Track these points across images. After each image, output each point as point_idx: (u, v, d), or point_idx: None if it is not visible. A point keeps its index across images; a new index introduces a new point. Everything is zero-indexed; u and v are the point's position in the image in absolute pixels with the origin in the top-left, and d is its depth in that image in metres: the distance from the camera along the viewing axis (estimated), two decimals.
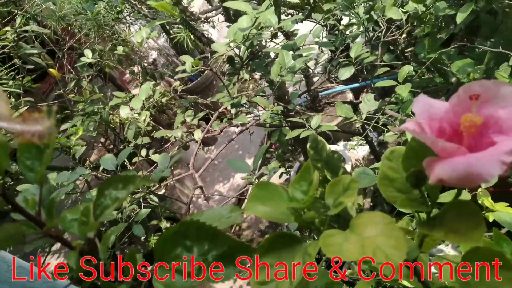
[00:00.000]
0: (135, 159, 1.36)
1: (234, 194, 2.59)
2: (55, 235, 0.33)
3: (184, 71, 1.13)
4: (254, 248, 0.34)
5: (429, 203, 0.34)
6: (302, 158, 2.24)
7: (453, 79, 1.49)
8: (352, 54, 1.19)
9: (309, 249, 0.33)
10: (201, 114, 1.48)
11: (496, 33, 1.48)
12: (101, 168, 1.20)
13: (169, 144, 2.17)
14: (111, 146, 2.41)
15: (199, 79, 3.07)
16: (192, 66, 1.13)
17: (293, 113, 1.43)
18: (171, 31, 2.78)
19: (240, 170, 1.00)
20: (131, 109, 1.39)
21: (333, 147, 2.28)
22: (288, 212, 0.36)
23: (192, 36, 2.28)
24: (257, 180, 0.96)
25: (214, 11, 1.61)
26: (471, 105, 0.31)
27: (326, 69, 1.55)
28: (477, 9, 1.56)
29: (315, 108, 2.53)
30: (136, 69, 2.50)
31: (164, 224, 2.07)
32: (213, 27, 2.57)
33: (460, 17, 0.97)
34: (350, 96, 2.62)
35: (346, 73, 1.17)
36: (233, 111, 1.29)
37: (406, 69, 1.09)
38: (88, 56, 1.43)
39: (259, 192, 0.35)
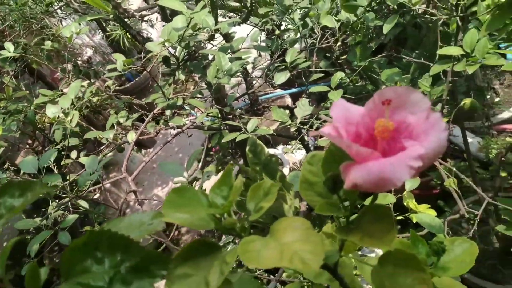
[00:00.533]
0: (64, 162, 1.28)
1: None
2: None
3: (115, 70, 1.08)
4: (170, 257, 0.32)
5: (348, 207, 0.34)
6: (242, 162, 2.24)
7: (383, 87, 1.57)
8: (288, 59, 1.21)
9: (227, 257, 0.32)
10: (135, 115, 1.42)
11: (420, 45, 1.58)
12: (21, 172, 1.11)
13: (104, 146, 2.06)
14: (40, 148, 2.25)
15: (137, 79, 2.96)
16: (124, 65, 1.08)
17: (231, 116, 1.42)
18: (107, 29, 2.67)
19: (173, 174, 0.97)
20: (61, 108, 1.30)
21: (272, 151, 2.31)
22: (208, 218, 0.35)
23: (128, 35, 2.20)
24: (189, 184, 0.94)
25: (151, 10, 1.56)
26: (384, 110, 0.32)
27: (264, 73, 1.57)
28: (404, 22, 1.65)
29: (255, 111, 2.55)
30: (68, 66, 2.36)
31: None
32: (152, 26, 2.50)
33: (386, 28, 1.02)
34: (289, 101, 2.67)
35: (281, 77, 1.19)
36: (168, 112, 1.26)
37: (338, 76, 1.13)
38: (9, 50, 1.32)
39: (176, 197, 0.34)
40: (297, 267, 0.29)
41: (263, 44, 1.37)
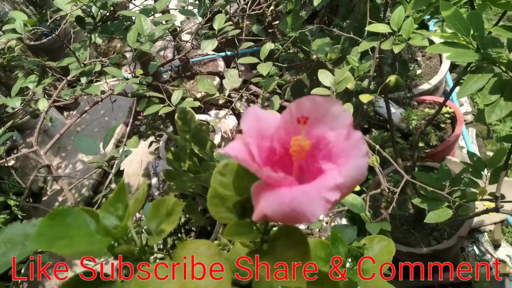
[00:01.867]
0: None
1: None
2: None
3: (14, 31, 0.93)
4: None
5: (261, 228, 0.31)
6: (171, 128, 2.15)
7: (314, 56, 1.55)
8: (215, 26, 1.13)
9: None
10: (47, 81, 1.27)
11: (351, 15, 1.56)
12: None
13: (20, 110, 1.86)
14: None
15: (54, 35, 2.67)
16: (26, 26, 0.94)
17: (155, 82, 1.32)
18: None
19: (88, 152, 0.88)
20: None
21: (203, 117, 2.24)
22: (98, 244, 0.30)
23: None
24: (106, 164, 0.86)
25: None
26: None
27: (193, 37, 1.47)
28: None
29: (186, 75, 2.44)
30: None
31: (14, 202, 1.81)
32: None
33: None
34: (221, 64, 2.58)
35: (208, 46, 1.11)
36: (83, 80, 1.13)
37: (268, 47, 1.08)
38: None
39: (51, 227, 0.28)
40: None
41: (190, 7, 1.27)
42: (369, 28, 0.91)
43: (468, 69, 0.94)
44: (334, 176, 0.25)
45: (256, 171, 0.26)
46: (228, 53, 1.44)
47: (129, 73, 1.37)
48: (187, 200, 1.90)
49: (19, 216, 1.66)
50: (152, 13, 1.17)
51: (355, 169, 0.25)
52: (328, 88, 0.98)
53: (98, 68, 1.18)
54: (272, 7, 1.73)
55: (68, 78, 1.20)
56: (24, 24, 0.96)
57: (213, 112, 2.45)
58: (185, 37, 2.31)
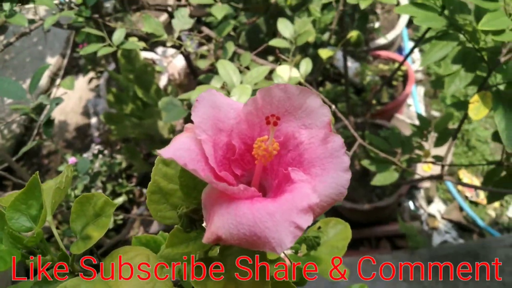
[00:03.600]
0: None
1: (33, 100, 2.17)
2: None
3: None
4: None
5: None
6: (113, 66, 1.98)
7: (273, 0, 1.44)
8: None
9: None
10: None
11: None
12: None
13: None
14: None
15: None
16: None
17: (99, 16, 1.17)
18: None
19: (12, 97, 0.76)
20: None
21: (149, 55, 2.07)
22: (6, 256, 0.23)
23: None
24: (33, 111, 0.75)
25: None
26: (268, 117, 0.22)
27: None
28: None
29: (131, 8, 2.22)
30: None
31: None
32: None
33: None
34: None
35: None
36: (6, 6, 0.97)
37: None
38: None
39: None
40: None
41: None
42: None
43: (430, 35, 0.91)
44: (307, 194, 0.20)
45: (211, 183, 0.20)
46: None
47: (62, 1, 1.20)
48: (129, 144, 1.80)
49: None
50: None
51: (333, 186, 0.21)
52: (287, 39, 0.91)
53: None
54: None
55: None
56: None
57: (160, 50, 2.28)
58: None
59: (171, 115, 0.89)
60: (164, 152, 0.20)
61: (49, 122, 0.73)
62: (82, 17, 1.13)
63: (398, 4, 0.80)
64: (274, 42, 0.90)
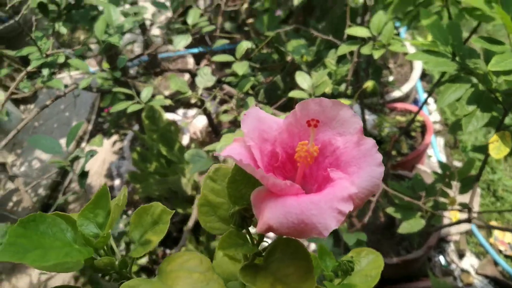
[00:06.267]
0: None
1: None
2: None
3: None
4: None
5: (256, 239, 0.28)
6: (137, 127, 2.07)
7: (289, 58, 1.53)
8: (189, 21, 1.09)
9: None
10: (4, 71, 1.19)
11: (327, 18, 1.56)
12: None
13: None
14: None
15: (12, 21, 2.51)
16: None
17: (123, 78, 1.26)
18: None
19: (48, 151, 0.82)
20: None
21: (170, 116, 2.17)
22: (77, 256, 0.26)
23: None
24: (69, 164, 0.80)
25: None
26: (307, 129, 0.25)
27: (164, 31, 1.42)
28: None
29: (154, 71, 2.36)
30: None
31: None
32: None
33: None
34: (191, 61, 2.52)
35: (182, 41, 1.07)
36: (45, 72, 1.06)
37: (244, 46, 1.05)
38: None
39: (24, 235, 0.24)
40: None
41: (162, 0, 1.22)
42: (349, 31, 0.90)
43: (443, 79, 0.96)
44: (346, 186, 0.23)
45: (261, 178, 0.23)
46: (201, 49, 1.40)
47: (94, 67, 1.30)
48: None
49: None
50: (122, 3, 1.12)
51: (369, 179, 0.23)
52: (306, 91, 0.96)
53: (61, 59, 1.10)
54: (246, 5, 1.70)
55: (28, 69, 1.12)
56: None
57: (181, 111, 2.39)
58: (155, 31, 2.24)
59: (197, 165, 0.92)
60: (221, 153, 0.23)
61: (84, 174, 0.77)
62: (110, 80, 1.22)
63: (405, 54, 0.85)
64: (293, 94, 0.95)
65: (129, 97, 1.14)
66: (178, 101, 1.19)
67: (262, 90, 1.56)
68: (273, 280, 0.26)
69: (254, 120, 0.26)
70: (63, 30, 1.08)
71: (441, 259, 1.47)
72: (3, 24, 2.66)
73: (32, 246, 0.24)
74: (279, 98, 1.43)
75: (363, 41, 0.94)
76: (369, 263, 0.43)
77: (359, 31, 0.89)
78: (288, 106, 1.36)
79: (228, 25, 2.08)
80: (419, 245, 1.29)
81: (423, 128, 1.61)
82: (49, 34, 1.13)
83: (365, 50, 0.87)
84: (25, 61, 1.37)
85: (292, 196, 0.23)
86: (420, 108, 1.06)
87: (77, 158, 0.78)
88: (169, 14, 2.01)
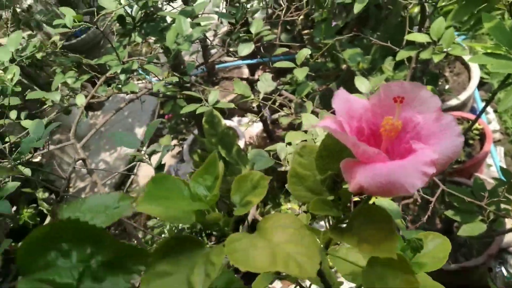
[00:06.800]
0: (4, 121, 1.14)
1: (122, 165, 2.42)
2: None
3: (64, 26, 0.97)
4: (148, 252, 0.29)
5: (340, 206, 0.32)
6: (196, 131, 2.18)
7: (344, 66, 1.57)
8: (253, 30, 1.16)
9: (212, 257, 0.29)
10: (85, 77, 1.31)
11: (382, 27, 1.58)
12: None
13: (46, 106, 1.92)
14: None
15: (84, 35, 2.74)
16: (74, 22, 0.98)
17: (188, 84, 1.35)
18: None
19: (128, 146, 0.90)
20: None
21: (227, 122, 2.26)
22: (189, 211, 0.31)
23: None
24: (147, 157, 0.88)
25: None
26: (392, 107, 0.30)
27: (224, 42, 1.50)
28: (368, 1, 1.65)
29: (211, 81, 2.47)
30: (5, 14, 2.12)
31: (41, 194, 1.82)
32: None
33: (357, 8, 1.00)
34: (246, 71, 2.61)
35: (245, 49, 1.14)
36: (122, 77, 1.17)
37: (304, 52, 1.10)
38: None
39: (155, 188, 0.30)
40: (294, 272, 0.27)
41: (224, 11, 1.30)
42: (409, 37, 0.92)
43: (507, 82, 0.95)
44: (429, 153, 0.27)
45: (354, 145, 0.27)
46: (260, 59, 1.47)
47: (155, 77, 1.40)
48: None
49: (45, 211, 1.69)
50: (191, 15, 1.21)
51: (449, 147, 0.27)
52: (364, 94, 0.99)
53: (135, 66, 1.21)
54: (302, 16, 1.76)
55: (107, 74, 1.24)
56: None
57: (236, 119, 2.48)
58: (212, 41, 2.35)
59: (260, 164, 0.98)
60: (317, 124, 0.28)
61: (160, 166, 0.85)
62: (174, 86, 1.31)
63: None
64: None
65: (194, 101, 1.22)
66: (239, 106, 1.25)
67: (317, 97, 1.60)
68: (358, 240, 0.30)
69: (342, 100, 0.31)
70: (138, 39, 1.18)
71: (503, 270, 1.42)
72: (75, 38, 2.90)
73: (162, 196, 0.30)
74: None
75: (421, 47, 0.96)
76: (436, 246, 0.46)
77: (419, 37, 0.91)
78: None
79: (283, 37, 2.15)
80: (478, 253, 1.26)
81: (482, 136, 1.57)
82: (125, 43, 1.25)
83: (425, 54, 0.89)
84: (100, 69, 1.51)
85: (380, 162, 0.27)
86: (479, 116, 1.05)
87: (154, 152, 0.86)
88: (224, 28, 2.10)
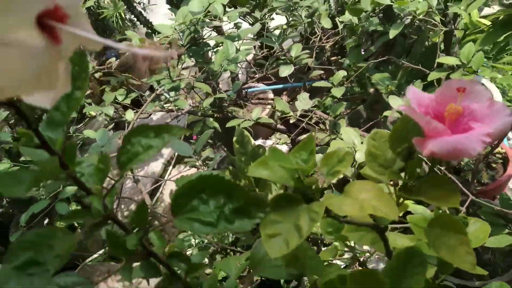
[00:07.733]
0: None
1: (148, 183, 2.52)
2: (75, 176, 0.33)
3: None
4: (267, 203, 0.38)
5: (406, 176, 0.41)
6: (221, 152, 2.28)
7: (371, 90, 1.66)
8: (293, 53, 1.27)
9: (315, 207, 0.37)
10: (133, 95, 1.44)
11: (408, 55, 1.68)
12: None
13: (88, 119, 2.08)
14: None
15: (122, 57, 2.91)
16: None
17: (226, 104, 1.46)
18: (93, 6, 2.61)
19: (182, 153, 1.01)
20: None
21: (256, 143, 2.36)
22: (288, 176, 0.40)
23: (122, 14, 2.18)
24: (200, 163, 0.98)
25: None
26: (454, 96, 0.38)
27: (261, 65, 1.62)
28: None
29: (239, 103, 2.59)
30: None
31: (74, 207, 1.92)
32: (143, 9, 2.48)
33: (392, 33, 1.10)
34: (271, 96, 2.74)
35: (286, 70, 1.25)
36: (172, 94, 1.28)
37: (341, 74, 1.20)
38: None
39: (273, 154, 0.39)
40: (380, 215, 0.35)
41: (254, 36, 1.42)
42: (440, 60, 1.02)
43: None
44: (485, 128, 0.35)
45: (426, 122, 0.36)
46: (293, 84, 1.59)
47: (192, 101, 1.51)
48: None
49: (76, 224, 1.79)
50: (236, 39, 1.33)
51: (501, 124, 0.35)
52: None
53: (183, 85, 1.33)
54: (331, 43, 1.88)
55: (157, 91, 1.36)
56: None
57: (260, 141, 2.58)
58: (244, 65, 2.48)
59: None
60: (398, 108, 0.37)
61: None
62: (212, 108, 1.42)
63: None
64: (387, 113, 1.07)
65: (225, 121, 1.32)
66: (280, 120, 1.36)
67: (345, 118, 1.69)
68: (427, 197, 0.38)
69: (414, 93, 0.40)
70: (188, 61, 1.30)
71: None
72: (106, 59, 3.09)
73: (270, 165, 0.39)
74: (360, 125, 1.55)
75: (451, 69, 1.05)
76: (476, 229, 0.53)
77: (450, 60, 1.00)
78: (369, 130, 1.48)
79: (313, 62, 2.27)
80: (504, 271, 1.30)
81: (504, 160, 1.63)
82: (175, 64, 1.37)
83: (455, 75, 0.98)
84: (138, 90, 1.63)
85: (445, 136, 0.36)
86: (501, 140, 1.13)
87: (208, 158, 0.96)
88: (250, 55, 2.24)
